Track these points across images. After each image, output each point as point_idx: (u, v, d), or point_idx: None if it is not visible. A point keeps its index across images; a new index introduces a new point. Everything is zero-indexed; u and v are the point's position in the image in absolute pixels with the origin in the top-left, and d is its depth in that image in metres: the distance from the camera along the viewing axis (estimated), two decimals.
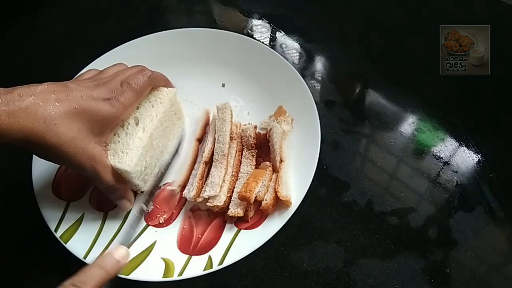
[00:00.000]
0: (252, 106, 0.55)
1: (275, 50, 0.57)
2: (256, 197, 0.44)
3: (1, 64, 0.64)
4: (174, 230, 0.46)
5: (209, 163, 0.49)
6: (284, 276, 0.44)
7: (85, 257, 0.42)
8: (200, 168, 0.48)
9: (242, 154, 0.50)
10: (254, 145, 0.50)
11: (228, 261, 0.41)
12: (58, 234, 0.43)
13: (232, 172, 0.48)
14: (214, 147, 0.49)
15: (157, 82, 0.46)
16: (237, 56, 0.57)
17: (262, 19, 0.68)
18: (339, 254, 0.45)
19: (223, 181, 0.46)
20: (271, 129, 0.49)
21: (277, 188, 0.44)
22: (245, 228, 0.44)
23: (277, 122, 0.50)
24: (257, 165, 0.49)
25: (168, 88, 0.47)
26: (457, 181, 0.51)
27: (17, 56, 0.65)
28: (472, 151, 0.53)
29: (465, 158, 0.52)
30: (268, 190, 0.45)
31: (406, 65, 0.63)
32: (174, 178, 0.49)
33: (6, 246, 0.47)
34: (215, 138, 0.49)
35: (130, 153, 0.41)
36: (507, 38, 0.63)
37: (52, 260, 0.45)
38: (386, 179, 0.51)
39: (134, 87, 0.41)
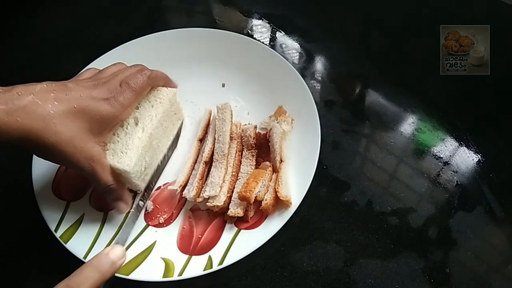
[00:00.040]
0: (252, 106, 0.55)
1: (275, 50, 0.57)
2: (256, 197, 0.44)
3: (1, 64, 0.64)
4: (174, 230, 0.46)
5: (209, 163, 0.49)
6: (284, 276, 0.44)
7: (85, 257, 0.42)
8: (200, 168, 0.48)
9: (242, 154, 0.50)
10: (254, 145, 0.50)
11: (228, 261, 0.41)
12: (58, 234, 0.43)
13: (232, 172, 0.48)
14: (214, 147, 0.49)
15: (156, 81, 0.46)
16: (237, 56, 0.57)
17: (262, 19, 0.68)
18: (339, 254, 0.45)
19: (223, 181, 0.46)
20: (271, 129, 0.49)
21: (277, 188, 0.44)
22: (245, 228, 0.44)
23: (277, 122, 0.50)
24: (257, 165, 0.49)
25: (168, 88, 0.47)
26: (457, 181, 0.51)
27: (17, 56, 0.65)
28: (472, 151, 0.53)
29: (465, 158, 0.52)
30: (268, 190, 0.45)
31: (406, 65, 0.63)
32: (174, 178, 0.49)
33: (6, 246, 0.47)
34: (215, 138, 0.49)
35: (130, 153, 0.41)
36: (507, 38, 0.63)
37: (52, 260, 0.45)
38: (386, 179, 0.51)
39: (133, 87, 0.41)
